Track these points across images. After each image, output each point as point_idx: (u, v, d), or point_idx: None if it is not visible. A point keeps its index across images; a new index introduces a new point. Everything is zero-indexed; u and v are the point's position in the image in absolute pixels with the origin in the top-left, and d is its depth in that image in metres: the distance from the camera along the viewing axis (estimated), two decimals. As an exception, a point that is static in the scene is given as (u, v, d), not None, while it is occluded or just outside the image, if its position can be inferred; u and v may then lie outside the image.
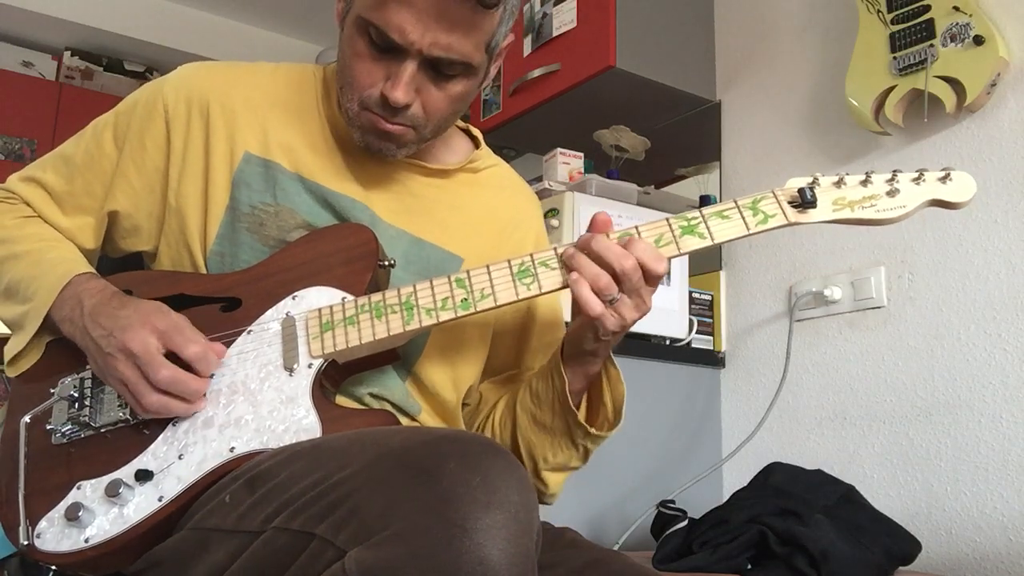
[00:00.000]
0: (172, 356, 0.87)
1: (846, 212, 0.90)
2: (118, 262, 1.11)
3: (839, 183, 0.91)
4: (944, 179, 0.90)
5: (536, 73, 2.20)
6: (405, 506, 0.65)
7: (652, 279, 0.88)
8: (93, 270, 0.98)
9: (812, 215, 0.90)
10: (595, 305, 0.87)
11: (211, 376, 0.90)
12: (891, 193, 0.90)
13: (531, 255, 0.91)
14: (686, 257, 1.83)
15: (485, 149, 1.15)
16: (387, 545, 0.63)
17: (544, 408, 1.01)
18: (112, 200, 1.03)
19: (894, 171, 0.92)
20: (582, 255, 0.88)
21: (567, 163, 2.09)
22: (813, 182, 0.91)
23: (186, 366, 0.87)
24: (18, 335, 0.96)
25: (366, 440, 0.75)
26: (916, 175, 0.91)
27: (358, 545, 0.65)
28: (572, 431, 1.00)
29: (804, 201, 0.89)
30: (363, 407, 0.98)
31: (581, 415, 1.00)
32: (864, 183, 0.91)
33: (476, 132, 1.16)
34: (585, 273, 0.87)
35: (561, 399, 0.98)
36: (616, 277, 0.87)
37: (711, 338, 2.06)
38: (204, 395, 0.89)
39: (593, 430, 0.99)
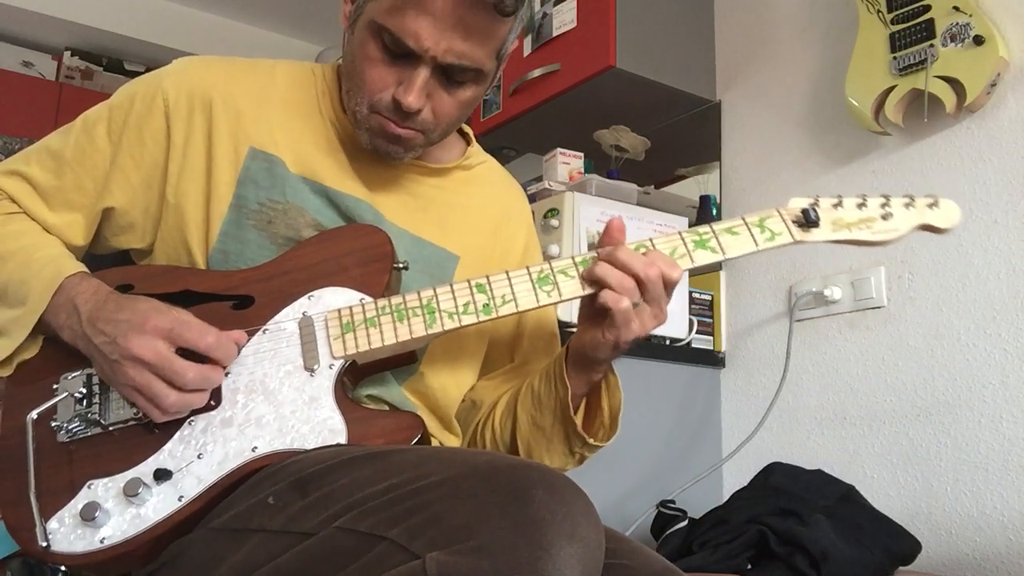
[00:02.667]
0: (182, 351, 0.85)
1: (844, 233, 0.95)
2: (104, 259, 1.07)
3: (837, 205, 0.95)
4: (932, 205, 0.96)
5: (536, 73, 2.20)
6: (493, 521, 0.65)
7: (669, 287, 0.91)
8: (84, 268, 0.95)
9: (815, 234, 0.94)
10: (623, 301, 0.89)
11: (227, 373, 0.88)
12: (885, 216, 0.95)
13: (549, 263, 0.93)
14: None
15: (475, 146, 1.16)
16: (471, 555, 0.63)
17: (545, 413, 1.01)
18: (108, 196, 1.00)
19: (885, 196, 0.96)
20: (606, 264, 0.90)
21: (567, 163, 2.09)
22: (814, 202, 0.95)
23: (200, 358, 0.85)
24: (3, 341, 0.93)
25: (443, 455, 0.76)
26: (907, 200, 0.96)
27: (437, 550, 0.64)
28: (571, 439, 1.01)
29: (808, 221, 0.94)
30: (386, 408, 0.98)
31: (579, 421, 1.00)
32: (860, 206, 0.95)
33: (467, 129, 1.16)
34: (612, 278, 0.89)
35: (563, 407, 0.99)
36: (641, 284, 0.89)
37: (711, 338, 2.06)
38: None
39: (591, 440, 1.00)
